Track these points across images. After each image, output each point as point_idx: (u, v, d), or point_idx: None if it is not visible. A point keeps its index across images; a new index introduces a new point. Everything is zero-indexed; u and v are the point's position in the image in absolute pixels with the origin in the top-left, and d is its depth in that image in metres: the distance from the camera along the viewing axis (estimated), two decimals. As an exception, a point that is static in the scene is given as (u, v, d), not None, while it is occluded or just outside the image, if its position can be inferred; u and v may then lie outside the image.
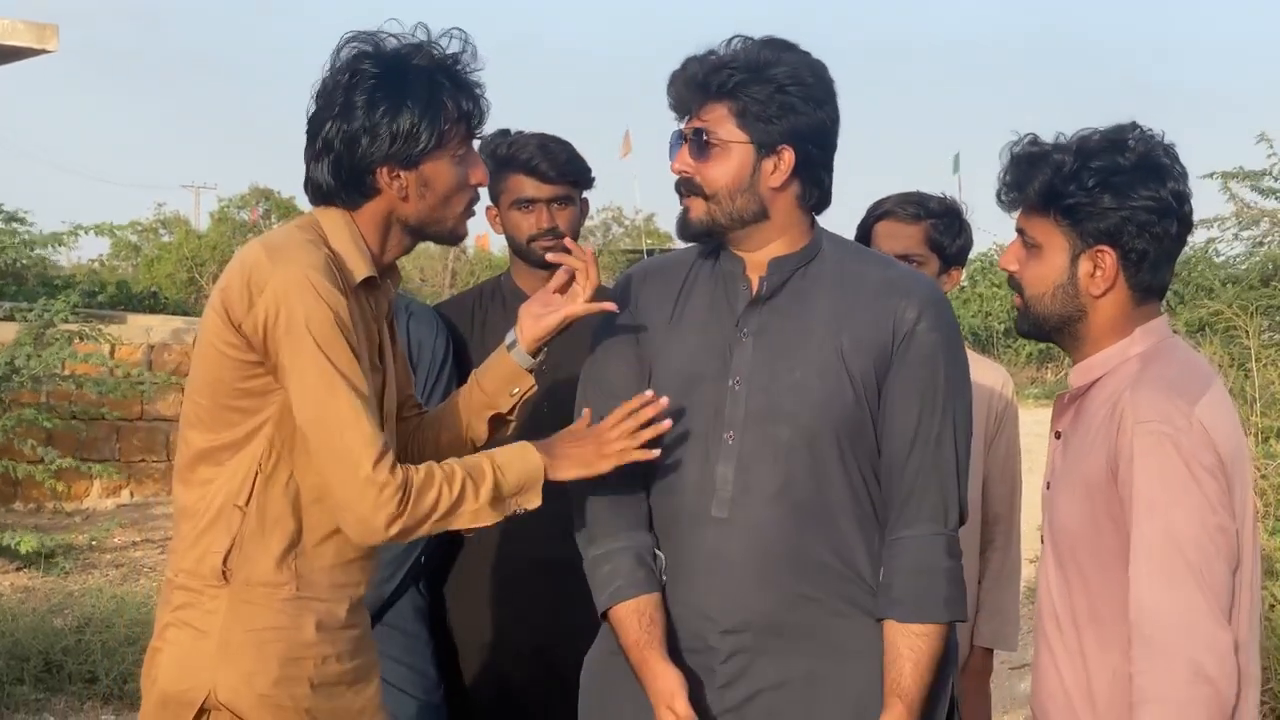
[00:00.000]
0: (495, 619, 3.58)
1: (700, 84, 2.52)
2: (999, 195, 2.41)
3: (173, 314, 17.32)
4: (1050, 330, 2.41)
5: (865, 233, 3.57)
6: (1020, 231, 2.41)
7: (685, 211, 2.58)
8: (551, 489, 3.44)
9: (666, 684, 2.48)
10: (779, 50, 2.51)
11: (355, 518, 2.37)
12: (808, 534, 2.49)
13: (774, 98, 2.48)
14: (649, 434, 2.51)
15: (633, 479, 2.63)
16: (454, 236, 2.61)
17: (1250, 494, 2.27)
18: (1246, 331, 6.96)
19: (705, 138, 2.52)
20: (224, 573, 2.43)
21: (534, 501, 2.54)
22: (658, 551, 2.63)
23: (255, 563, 2.43)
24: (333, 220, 2.49)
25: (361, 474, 2.34)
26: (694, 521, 2.55)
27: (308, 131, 2.50)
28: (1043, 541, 2.41)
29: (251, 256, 2.42)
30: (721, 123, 2.51)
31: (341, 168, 2.46)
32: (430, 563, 3.59)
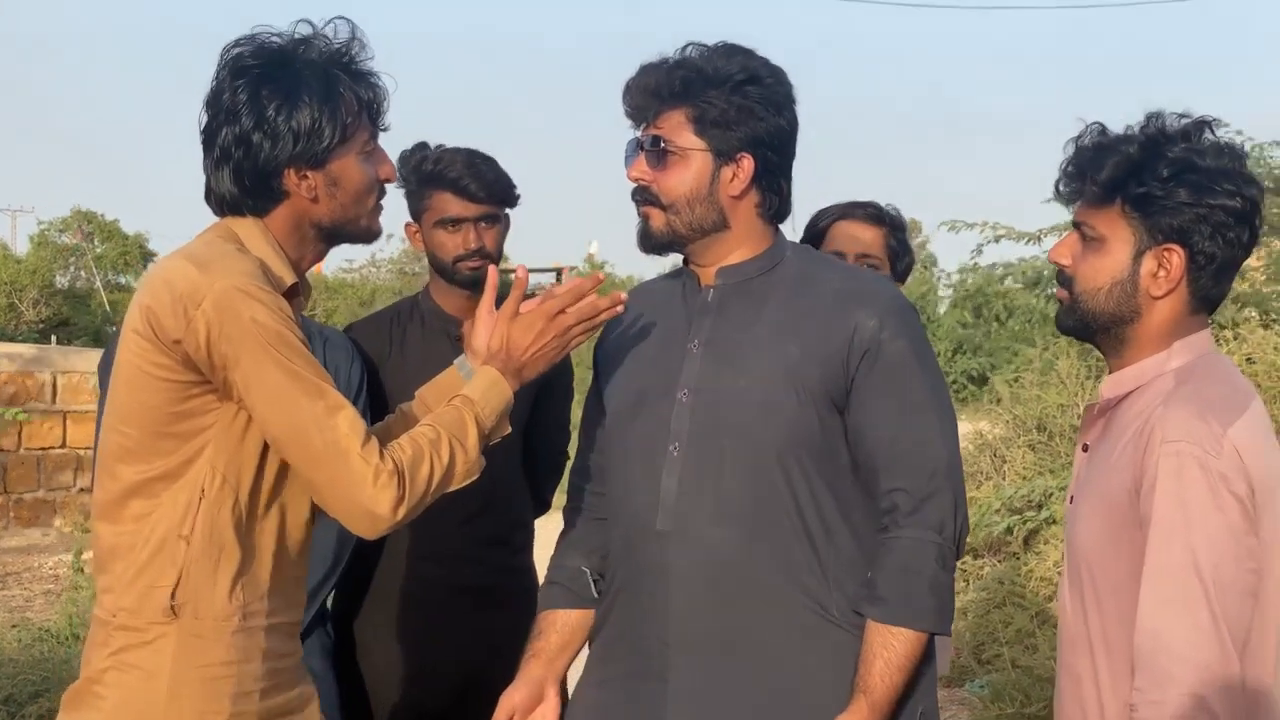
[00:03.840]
0: (414, 649, 3.48)
1: (656, 90, 2.47)
2: (1057, 186, 2.27)
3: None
4: (1097, 329, 2.27)
5: (815, 240, 3.47)
6: (1078, 225, 2.26)
7: (645, 222, 2.52)
8: (476, 515, 3.38)
9: (512, 694, 2.57)
10: (736, 55, 2.46)
11: (359, 511, 2.25)
12: (751, 551, 2.43)
13: (732, 102, 2.43)
14: (605, 311, 2.44)
15: (590, 499, 2.69)
16: (369, 235, 2.49)
17: None
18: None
19: (662, 145, 2.47)
20: (172, 608, 2.30)
21: (505, 430, 2.46)
22: (583, 569, 2.65)
23: (203, 595, 2.32)
24: (247, 229, 2.39)
25: (354, 466, 2.23)
26: (642, 536, 2.50)
27: (203, 143, 2.40)
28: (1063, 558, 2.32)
29: (177, 271, 2.29)
30: (679, 130, 2.46)
31: (244, 174, 2.35)
32: (337, 604, 3.49)
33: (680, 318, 2.56)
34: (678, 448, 2.47)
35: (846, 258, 3.34)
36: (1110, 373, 2.30)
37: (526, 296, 2.48)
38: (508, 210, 3.51)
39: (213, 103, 2.37)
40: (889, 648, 2.37)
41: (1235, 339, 6.77)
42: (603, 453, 2.67)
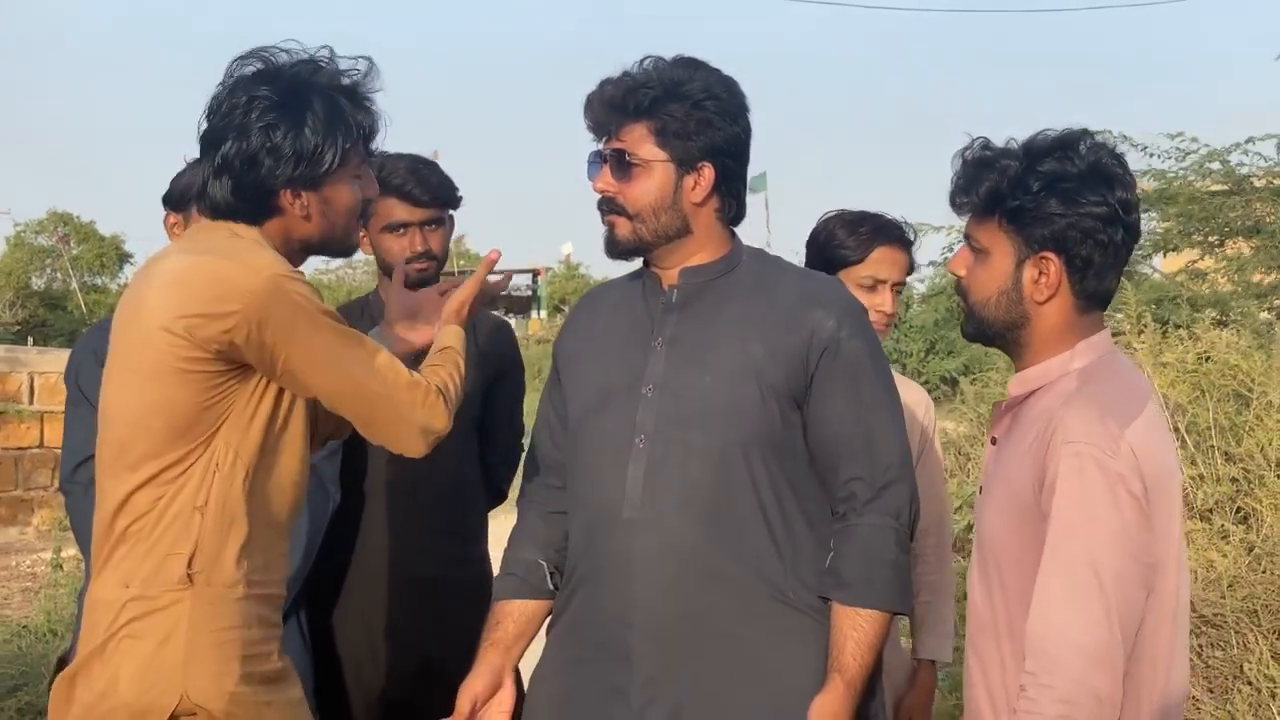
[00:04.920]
0: (376, 638, 3.58)
1: (618, 105, 2.58)
2: (951, 199, 2.38)
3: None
4: (994, 335, 2.38)
5: (839, 262, 3.39)
6: (968, 237, 2.38)
7: (610, 230, 2.63)
8: (432, 507, 3.50)
9: (473, 683, 2.66)
10: (692, 68, 2.57)
11: (416, 432, 2.53)
12: (714, 539, 2.53)
13: (691, 115, 2.54)
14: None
15: (550, 496, 2.80)
16: (349, 249, 2.69)
17: (1178, 518, 2.25)
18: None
19: (626, 158, 2.57)
20: (189, 575, 2.43)
21: None
22: (540, 561, 2.75)
23: (216, 563, 2.45)
24: (247, 233, 2.52)
25: (406, 395, 2.51)
26: (608, 525, 2.59)
27: (202, 147, 2.51)
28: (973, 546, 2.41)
29: (209, 266, 2.43)
30: (641, 142, 2.57)
31: (243, 188, 2.48)
32: (315, 587, 3.59)
33: (643, 316, 2.67)
34: (643, 440, 2.57)
35: (885, 284, 3.38)
36: (1017, 372, 2.40)
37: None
38: (450, 212, 3.63)
39: (219, 112, 2.49)
40: (858, 629, 2.48)
41: (1190, 338, 6.85)
42: (564, 447, 2.75)
